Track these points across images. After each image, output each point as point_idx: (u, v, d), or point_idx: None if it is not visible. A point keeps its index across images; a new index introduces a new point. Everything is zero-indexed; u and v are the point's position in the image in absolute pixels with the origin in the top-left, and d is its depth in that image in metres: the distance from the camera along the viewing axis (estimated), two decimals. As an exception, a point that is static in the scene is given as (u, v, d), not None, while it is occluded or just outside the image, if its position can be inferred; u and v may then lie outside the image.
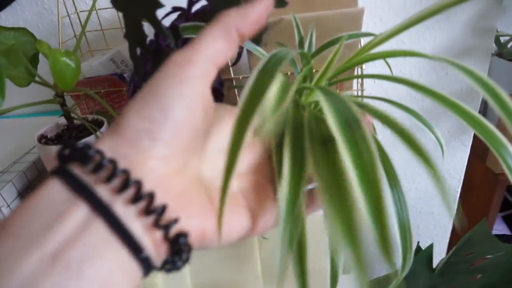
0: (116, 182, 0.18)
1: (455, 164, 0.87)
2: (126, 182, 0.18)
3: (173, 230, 0.19)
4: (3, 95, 0.38)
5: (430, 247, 0.71)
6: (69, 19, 0.66)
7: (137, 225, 0.18)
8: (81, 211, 0.17)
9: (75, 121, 0.56)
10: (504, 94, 0.26)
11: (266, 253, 0.55)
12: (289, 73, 0.56)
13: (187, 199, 0.21)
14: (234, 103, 0.61)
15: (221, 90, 0.47)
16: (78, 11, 0.68)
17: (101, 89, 0.60)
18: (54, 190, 0.18)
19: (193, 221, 0.20)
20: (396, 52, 0.32)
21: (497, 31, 0.85)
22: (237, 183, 0.25)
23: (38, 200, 0.18)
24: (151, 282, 0.49)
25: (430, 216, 0.96)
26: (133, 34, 0.40)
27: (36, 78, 0.51)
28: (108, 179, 0.18)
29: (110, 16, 0.71)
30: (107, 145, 0.19)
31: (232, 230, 0.22)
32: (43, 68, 0.50)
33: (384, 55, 0.36)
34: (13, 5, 0.73)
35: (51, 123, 0.57)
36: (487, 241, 0.64)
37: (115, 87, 0.60)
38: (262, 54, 0.42)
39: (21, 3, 0.72)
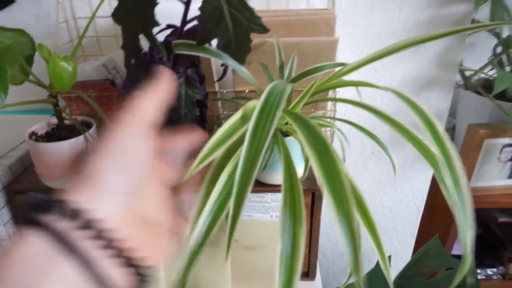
0: (93, 232, 0.21)
1: (419, 185, 0.94)
2: (102, 233, 0.21)
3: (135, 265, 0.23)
4: (6, 92, 0.41)
5: (388, 259, 0.76)
6: (67, 24, 0.70)
7: (113, 271, 0.21)
8: (67, 266, 0.19)
9: (65, 121, 0.59)
10: (437, 126, 0.31)
11: (236, 254, 0.59)
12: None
13: (141, 235, 0.25)
14: (216, 114, 0.66)
15: (205, 102, 0.52)
16: (75, 17, 0.72)
17: (92, 93, 0.64)
18: (31, 243, 0.19)
19: (146, 251, 0.24)
20: (354, 83, 0.38)
21: (461, 65, 0.93)
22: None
23: (18, 255, 0.19)
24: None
25: (394, 233, 1.02)
26: (129, 46, 0.44)
27: (31, 78, 0.55)
28: (84, 228, 0.20)
29: (106, 24, 0.75)
30: (73, 195, 0.22)
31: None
32: (37, 69, 0.53)
33: (347, 84, 0.42)
34: (12, 6, 0.76)
35: (41, 121, 0.60)
36: (441, 256, 0.70)
37: (106, 92, 0.63)
38: (245, 72, 0.47)
39: (20, 4, 0.76)
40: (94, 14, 0.55)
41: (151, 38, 0.41)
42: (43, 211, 0.21)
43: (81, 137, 0.55)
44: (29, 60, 0.57)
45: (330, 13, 0.62)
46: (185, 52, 0.44)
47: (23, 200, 0.21)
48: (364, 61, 0.43)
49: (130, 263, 0.22)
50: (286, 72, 0.50)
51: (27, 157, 0.67)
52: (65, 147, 0.54)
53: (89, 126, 0.59)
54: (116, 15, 0.44)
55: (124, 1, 0.42)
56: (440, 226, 1.09)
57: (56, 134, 0.59)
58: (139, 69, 0.48)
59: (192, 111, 0.49)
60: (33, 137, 0.57)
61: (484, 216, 1.21)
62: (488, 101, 0.95)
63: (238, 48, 0.43)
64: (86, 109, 0.67)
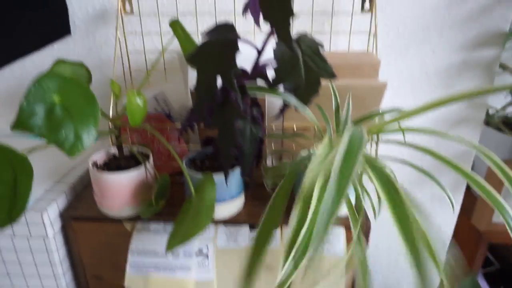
0: None
1: (445, 220, 0.96)
2: None
3: None
4: (97, 126, 0.44)
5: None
6: (121, 58, 0.74)
7: None
8: None
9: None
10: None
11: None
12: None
13: None
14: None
15: (263, 139, 0.55)
16: (128, 52, 0.76)
17: (149, 125, 0.67)
18: None
19: None
20: (419, 129, 0.42)
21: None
22: None
23: None
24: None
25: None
26: (204, 86, 0.48)
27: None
28: None
29: (154, 57, 0.80)
30: None
31: None
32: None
33: (396, 130, 0.45)
34: (67, 38, 0.80)
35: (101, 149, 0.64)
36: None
37: (162, 124, 0.67)
38: (307, 111, 0.51)
39: (74, 37, 0.80)
40: (163, 53, 0.59)
41: (229, 81, 0.44)
42: None
43: (142, 168, 0.58)
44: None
45: (374, 57, 0.66)
46: (256, 93, 0.48)
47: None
48: (420, 109, 0.47)
49: None
50: (343, 114, 0.54)
51: (79, 184, 0.70)
52: (128, 178, 0.57)
53: (146, 155, 0.62)
54: (193, 59, 0.48)
55: (205, 46, 0.46)
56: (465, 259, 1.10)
57: (115, 163, 0.62)
58: (206, 108, 0.51)
59: (255, 149, 0.53)
60: (95, 166, 0.60)
61: (505, 252, 1.22)
62: (509, 138, 0.98)
63: (307, 91, 0.47)
64: (138, 139, 0.71)
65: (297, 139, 0.66)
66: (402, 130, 0.47)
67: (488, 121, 1.06)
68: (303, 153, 0.62)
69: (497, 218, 1.04)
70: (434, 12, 0.75)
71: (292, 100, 0.50)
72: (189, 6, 0.75)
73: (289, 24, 0.35)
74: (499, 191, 0.98)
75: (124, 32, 0.74)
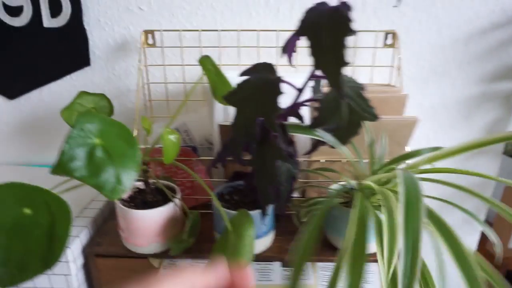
0: None
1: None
2: None
3: None
4: (138, 167, 0.43)
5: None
6: (143, 88, 0.73)
7: None
8: None
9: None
10: None
11: None
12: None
13: None
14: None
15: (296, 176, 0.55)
16: (149, 82, 0.76)
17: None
18: None
19: None
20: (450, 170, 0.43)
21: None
22: None
23: None
24: None
25: None
26: (242, 127, 0.47)
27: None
28: None
29: (174, 88, 0.79)
30: None
31: None
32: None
33: (432, 171, 0.46)
34: (85, 68, 0.80)
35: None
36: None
37: (187, 157, 0.66)
38: (344, 149, 0.51)
39: (94, 67, 0.80)
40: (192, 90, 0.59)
41: (272, 124, 0.44)
42: None
43: (171, 204, 0.57)
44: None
45: (399, 90, 0.66)
46: (296, 133, 0.47)
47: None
48: (459, 149, 0.46)
49: None
50: (378, 150, 0.53)
51: (100, 217, 0.68)
52: (159, 214, 0.56)
53: (172, 190, 0.61)
54: (231, 98, 0.47)
55: (244, 86, 0.46)
56: None
57: (140, 198, 0.60)
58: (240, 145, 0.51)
59: (290, 187, 0.52)
60: (121, 201, 0.59)
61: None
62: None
63: (348, 132, 0.46)
64: (162, 172, 0.70)
65: (323, 173, 0.65)
66: (439, 171, 0.47)
67: (506, 150, 1.07)
68: (333, 186, 0.61)
69: (512, 245, 1.04)
70: (454, 46, 0.76)
71: (329, 138, 0.50)
72: (211, 40, 0.76)
73: (341, 73, 0.35)
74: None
75: (146, 64, 0.73)
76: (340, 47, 0.33)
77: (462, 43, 0.76)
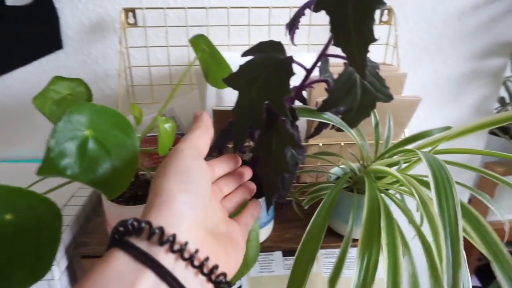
0: (167, 246, 0.23)
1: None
2: (180, 247, 0.23)
3: (216, 276, 0.25)
4: (138, 158, 0.39)
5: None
6: (125, 72, 0.67)
7: (194, 282, 0.24)
8: (149, 278, 0.22)
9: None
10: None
11: None
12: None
13: (214, 249, 0.27)
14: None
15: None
16: (131, 66, 0.70)
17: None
18: (120, 261, 0.22)
19: (222, 263, 0.26)
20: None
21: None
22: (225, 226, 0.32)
23: (107, 271, 0.22)
24: None
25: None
26: (247, 112, 0.43)
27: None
28: (161, 243, 0.23)
29: (157, 72, 0.74)
30: (155, 217, 0.25)
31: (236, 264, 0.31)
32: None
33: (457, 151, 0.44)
34: (57, 52, 0.73)
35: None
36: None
37: (174, 145, 0.61)
38: (351, 132, 0.48)
39: (66, 50, 0.73)
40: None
41: (282, 109, 0.40)
42: (133, 233, 0.24)
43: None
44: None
45: (397, 69, 0.64)
46: (306, 117, 0.44)
47: (116, 225, 0.26)
48: (468, 129, 0.45)
49: (213, 278, 0.25)
50: (385, 131, 0.51)
51: (82, 215, 0.63)
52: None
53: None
54: (233, 81, 0.43)
55: (249, 67, 0.42)
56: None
57: (129, 193, 0.56)
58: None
59: (294, 173, 0.49)
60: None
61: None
62: (505, 142, 1.00)
63: (358, 115, 0.43)
64: (149, 162, 0.65)
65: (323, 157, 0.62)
66: (457, 151, 0.45)
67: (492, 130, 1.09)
68: (333, 170, 0.59)
69: (491, 217, 1.07)
70: (446, 23, 0.74)
71: (337, 121, 0.47)
72: (198, 19, 0.70)
73: (367, 52, 0.31)
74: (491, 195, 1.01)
75: (127, 46, 0.67)
76: (368, 21, 0.30)
77: (455, 18, 0.74)
